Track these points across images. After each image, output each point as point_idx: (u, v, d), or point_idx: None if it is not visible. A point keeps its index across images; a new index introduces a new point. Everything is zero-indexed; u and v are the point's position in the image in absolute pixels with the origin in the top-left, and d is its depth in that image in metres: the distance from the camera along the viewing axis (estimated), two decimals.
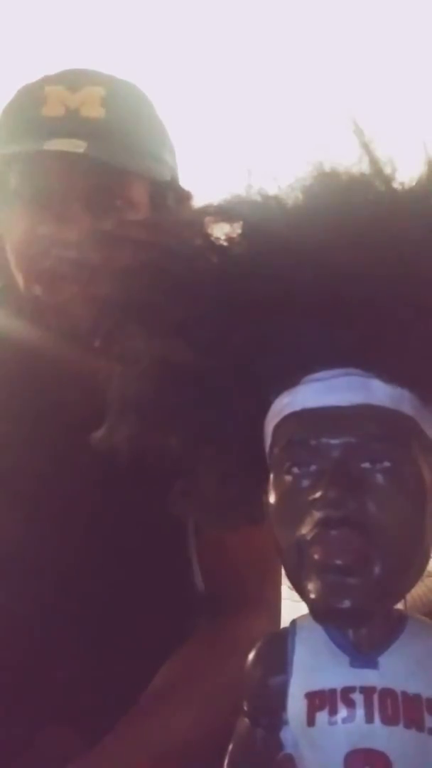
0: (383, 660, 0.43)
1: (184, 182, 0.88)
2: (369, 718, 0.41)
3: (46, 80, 0.84)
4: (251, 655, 0.47)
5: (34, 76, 0.86)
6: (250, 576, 0.84)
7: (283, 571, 0.45)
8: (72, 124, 0.80)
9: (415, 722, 0.41)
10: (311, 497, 0.42)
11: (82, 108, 0.81)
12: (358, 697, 0.42)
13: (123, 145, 0.81)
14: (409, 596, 0.45)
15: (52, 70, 0.86)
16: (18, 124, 0.83)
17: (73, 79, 0.83)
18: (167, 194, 0.84)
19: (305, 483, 0.43)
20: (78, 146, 0.78)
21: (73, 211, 0.79)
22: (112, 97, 0.82)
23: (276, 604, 0.86)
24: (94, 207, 0.80)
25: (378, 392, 0.43)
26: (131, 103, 0.85)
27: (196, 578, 0.84)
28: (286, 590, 0.45)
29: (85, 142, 0.78)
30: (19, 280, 0.83)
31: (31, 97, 0.83)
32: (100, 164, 0.78)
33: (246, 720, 0.47)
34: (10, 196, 0.83)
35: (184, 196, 0.85)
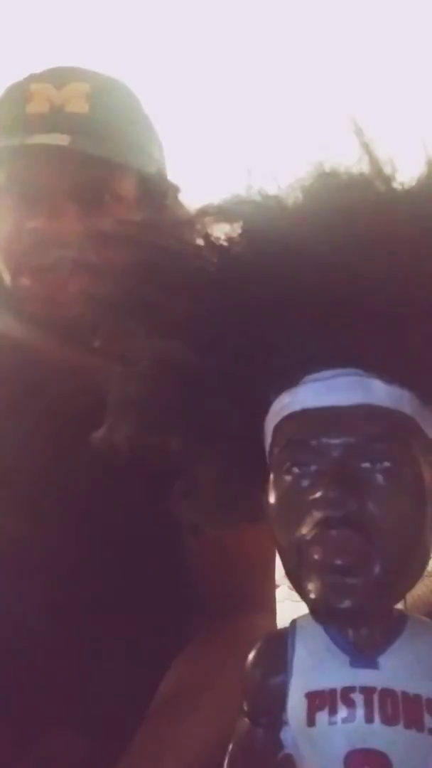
0: (383, 660, 0.43)
1: (182, 182, 0.88)
2: (369, 718, 0.41)
3: (33, 78, 0.85)
4: (251, 655, 0.47)
5: (23, 74, 0.87)
6: (250, 576, 0.84)
7: (283, 571, 0.45)
8: (56, 119, 0.81)
9: (415, 722, 0.41)
10: (311, 497, 0.42)
11: (67, 104, 0.82)
12: (358, 697, 0.42)
13: (108, 138, 0.82)
14: (409, 596, 0.45)
15: (44, 66, 0.87)
16: (3, 122, 0.84)
17: (59, 76, 0.84)
18: (154, 188, 0.85)
19: (305, 483, 0.43)
20: (61, 140, 0.79)
21: (60, 204, 0.80)
22: (97, 92, 0.83)
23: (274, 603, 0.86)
24: (81, 200, 0.80)
25: (378, 392, 0.43)
26: (117, 98, 0.86)
27: (194, 578, 0.84)
28: (286, 590, 0.45)
29: (69, 136, 0.79)
30: (6, 274, 0.84)
31: (17, 95, 0.85)
32: (85, 157, 0.79)
33: (246, 720, 0.47)
34: None
35: (172, 189, 0.86)
